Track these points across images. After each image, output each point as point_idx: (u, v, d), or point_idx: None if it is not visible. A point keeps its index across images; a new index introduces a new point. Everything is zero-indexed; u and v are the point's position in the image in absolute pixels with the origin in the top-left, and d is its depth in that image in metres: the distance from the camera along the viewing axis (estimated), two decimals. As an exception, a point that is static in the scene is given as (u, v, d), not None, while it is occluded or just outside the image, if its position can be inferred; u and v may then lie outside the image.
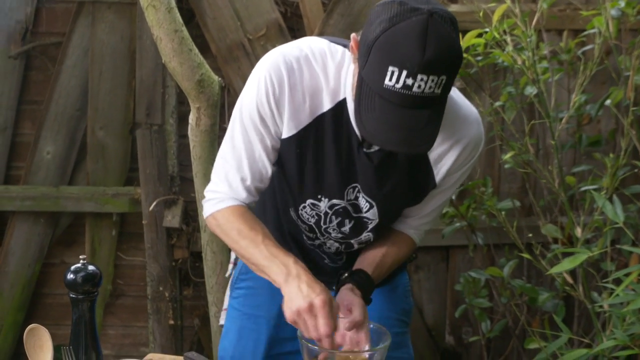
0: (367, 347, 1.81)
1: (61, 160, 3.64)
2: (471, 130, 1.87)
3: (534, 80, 2.67)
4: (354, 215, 1.97)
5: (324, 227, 2.00)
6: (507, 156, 2.75)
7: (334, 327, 1.71)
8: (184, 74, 2.69)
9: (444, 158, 1.88)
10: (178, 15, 2.66)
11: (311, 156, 1.87)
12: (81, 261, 1.82)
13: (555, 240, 3.06)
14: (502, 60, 2.91)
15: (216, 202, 1.94)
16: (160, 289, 3.58)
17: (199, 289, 3.66)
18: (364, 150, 1.84)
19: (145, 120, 3.55)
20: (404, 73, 1.54)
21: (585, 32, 3.03)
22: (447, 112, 1.69)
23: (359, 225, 1.99)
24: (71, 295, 1.81)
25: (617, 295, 1.99)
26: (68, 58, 3.57)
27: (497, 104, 3.04)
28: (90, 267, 1.81)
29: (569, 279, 2.66)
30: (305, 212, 1.98)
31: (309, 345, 1.74)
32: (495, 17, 2.75)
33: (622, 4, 2.79)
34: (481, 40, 2.84)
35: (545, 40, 3.37)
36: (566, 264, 2.12)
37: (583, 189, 2.91)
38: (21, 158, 3.66)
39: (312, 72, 1.81)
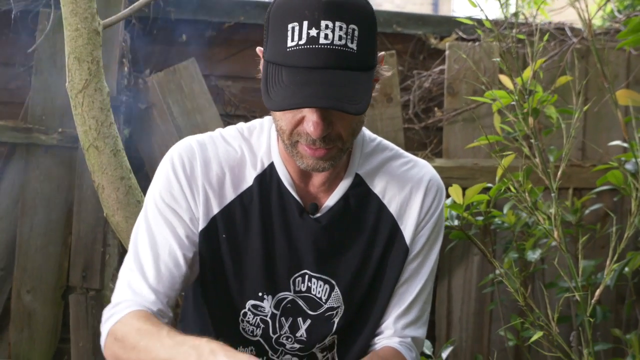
0: None
1: (-22, 329, 3.32)
2: (426, 168, 1.72)
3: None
4: (310, 312, 1.66)
5: (274, 337, 1.67)
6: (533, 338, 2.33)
7: None
8: (130, 231, 2.28)
9: (407, 206, 1.68)
10: (125, 159, 2.31)
11: (242, 240, 1.62)
12: None
13: None
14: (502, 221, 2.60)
15: (115, 316, 1.58)
16: None
17: None
18: (310, 215, 1.61)
19: (80, 283, 3.29)
20: (305, 24, 1.38)
21: (596, 190, 2.72)
22: (393, 157, 1.67)
23: (320, 324, 1.66)
24: None
25: None
26: (-6, 209, 3.34)
27: (499, 271, 2.64)
28: None
29: None
30: (249, 323, 1.66)
31: None
32: (499, 172, 2.43)
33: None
34: (484, 197, 2.46)
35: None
36: None
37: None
38: None
39: (228, 146, 1.64)
